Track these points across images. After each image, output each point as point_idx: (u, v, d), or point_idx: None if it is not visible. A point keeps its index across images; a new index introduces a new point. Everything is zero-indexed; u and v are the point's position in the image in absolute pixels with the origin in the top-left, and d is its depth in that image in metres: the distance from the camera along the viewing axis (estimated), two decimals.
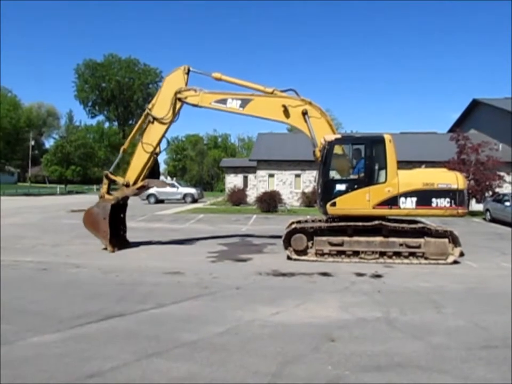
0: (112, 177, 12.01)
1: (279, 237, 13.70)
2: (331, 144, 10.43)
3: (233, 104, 11.54)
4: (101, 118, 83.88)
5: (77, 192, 54.35)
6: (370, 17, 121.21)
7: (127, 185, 11.58)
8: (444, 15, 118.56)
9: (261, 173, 31.78)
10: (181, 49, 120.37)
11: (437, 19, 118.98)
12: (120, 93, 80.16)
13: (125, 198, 12.02)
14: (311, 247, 10.47)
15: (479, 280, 8.49)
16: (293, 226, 10.72)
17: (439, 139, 31.82)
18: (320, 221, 11.49)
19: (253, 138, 70.76)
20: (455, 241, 10.15)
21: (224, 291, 7.40)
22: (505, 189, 24.05)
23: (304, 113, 11.18)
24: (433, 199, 10.13)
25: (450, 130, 38.66)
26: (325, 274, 8.82)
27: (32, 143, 63.62)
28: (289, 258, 10.44)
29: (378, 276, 8.70)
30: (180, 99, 11.68)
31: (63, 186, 54.47)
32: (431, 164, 17.46)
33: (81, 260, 10.00)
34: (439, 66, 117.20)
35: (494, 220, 20.58)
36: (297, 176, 31.73)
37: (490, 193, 22.93)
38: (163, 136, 11.95)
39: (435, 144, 30.43)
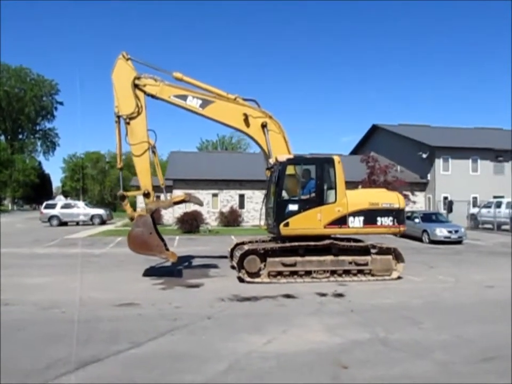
0: (128, 193, 11.87)
1: (213, 257, 13.37)
2: (283, 164, 10.44)
3: (193, 102, 11.06)
4: None
5: None
6: (273, 39, 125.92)
7: (148, 194, 10.91)
8: (351, 39, 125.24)
9: (177, 192, 30.81)
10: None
11: (346, 44, 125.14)
12: (9, 105, 72.53)
13: (158, 210, 11.57)
14: (263, 269, 10.27)
15: (430, 293, 9.01)
16: (245, 247, 10.43)
17: (347, 160, 33.95)
18: (265, 241, 11.42)
19: (161, 156, 68.73)
20: (398, 257, 10.74)
21: (196, 322, 6.82)
22: (410, 207, 26.40)
23: (264, 126, 11.07)
24: (378, 218, 10.66)
25: (353, 152, 41.87)
26: (288, 296, 8.65)
27: None
28: (241, 280, 10.11)
29: (340, 295, 8.79)
30: (137, 86, 10.86)
31: None
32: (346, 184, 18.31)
33: (8, 295, 8.53)
34: (341, 91, 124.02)
35: (404, 236, 22.35)
36: (215, 195, 31.47)
37: None
38: (146, 127, 11.03)
39: (344, 165, 32.36)
